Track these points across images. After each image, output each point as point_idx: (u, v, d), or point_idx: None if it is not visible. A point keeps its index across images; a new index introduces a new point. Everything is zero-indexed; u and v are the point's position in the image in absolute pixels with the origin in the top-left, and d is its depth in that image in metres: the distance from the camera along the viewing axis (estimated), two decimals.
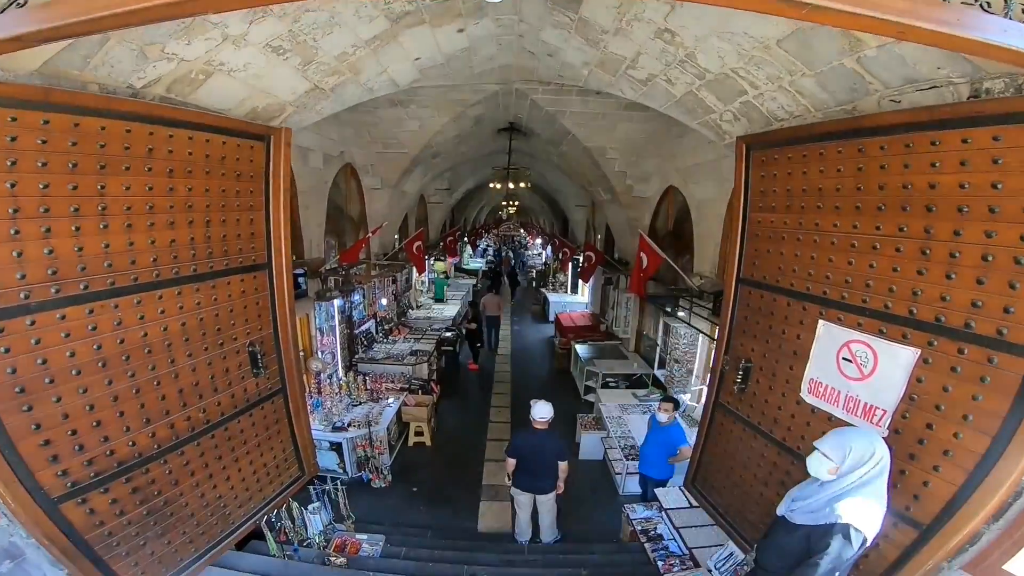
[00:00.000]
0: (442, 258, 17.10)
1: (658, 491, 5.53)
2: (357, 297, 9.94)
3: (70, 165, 2.55)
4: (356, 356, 9.80)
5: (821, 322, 3.21)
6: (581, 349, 11.32)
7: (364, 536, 4.89)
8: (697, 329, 7.20)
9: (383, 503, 6.73)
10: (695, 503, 4.98)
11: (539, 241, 30.01)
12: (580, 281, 18.71)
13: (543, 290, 20.81)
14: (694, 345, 7.62)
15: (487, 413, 9.77)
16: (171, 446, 3.26)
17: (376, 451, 6.91)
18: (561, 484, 5.53)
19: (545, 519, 5.76)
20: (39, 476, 2.56)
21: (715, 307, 6.51)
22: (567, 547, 5.67)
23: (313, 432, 6.82)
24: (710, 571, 4.19)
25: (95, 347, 2.77)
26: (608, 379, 9.69)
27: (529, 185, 11.79)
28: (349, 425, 6.97)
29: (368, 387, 8.16)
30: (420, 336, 11.66)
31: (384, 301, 11.23)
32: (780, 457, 3.52)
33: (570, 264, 18.77)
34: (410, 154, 9.24)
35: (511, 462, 5.41)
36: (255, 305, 3.96)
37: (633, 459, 6.42)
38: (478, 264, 27.10)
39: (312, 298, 7.89)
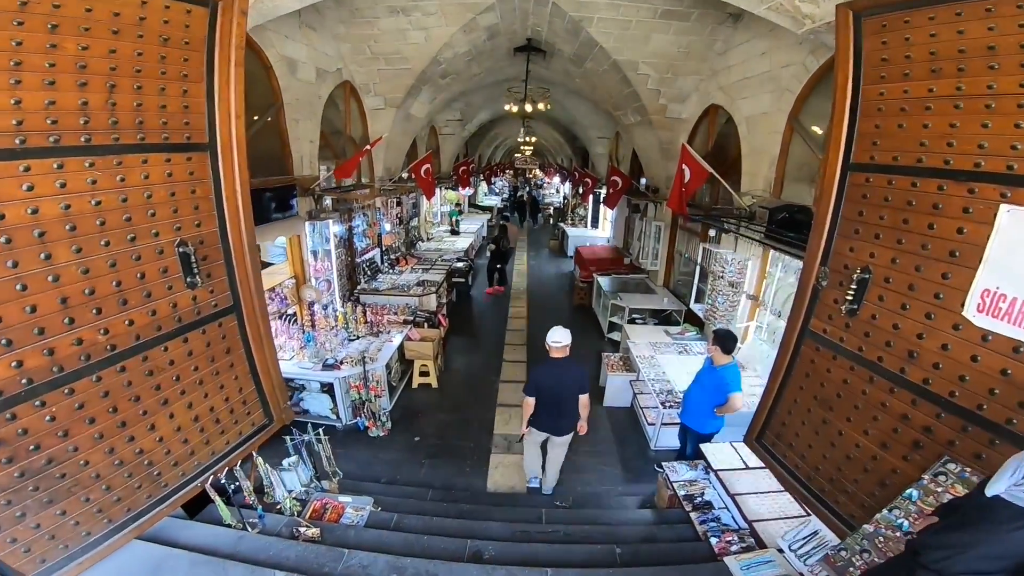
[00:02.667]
0: (455, 188, 15.90)
1: (704, 447, 4.59)
2: (358, 221, 8.89)
3: None
4: (358, 287, 8.89)
5: (1004, 208, 2.11)
6: (604, 282, 10.30)
7: (349, 499, 4.03)
8: (768, 244, 6.06)
9: (380, 456, 5.89)
10: (754, 464, 4.04)
11: (556, 179, 28.51)
12: (601, 214, 17.57)
13: (561, 224, 19.58)
14: (741, 275, 6.51)
15: (501, 352, 8.85)
16: (50, 381, 2.30)
17: (372, 393, 6.02)
18: (584, 424, 4.80)
19: (552, 466, 5.12)
20: None
21: (773, 226, 5.41)
22: (591, 514, 4.78)
23: (301, 371, 6.09)
24: (782, 552, 3.25)
25: None
26: (635, 315, 8.71)
27: (548, 106, 10.41)
28: (343, 363, 6.06)
29: (368, 320, 7.23)
30: (429, 267, 10.68)
31: (388, 226, 10.17)
32: (916, 408, 2.48)
33: (591, 197, 17.47)
34: (415, 70, 8.28)
35: (530, 402, 4.64)
36: (189, 194, 2.91)
37: (671, 407, 5.46)
38: (493, 201, 25.84)
39: (303, 217, 6.88)
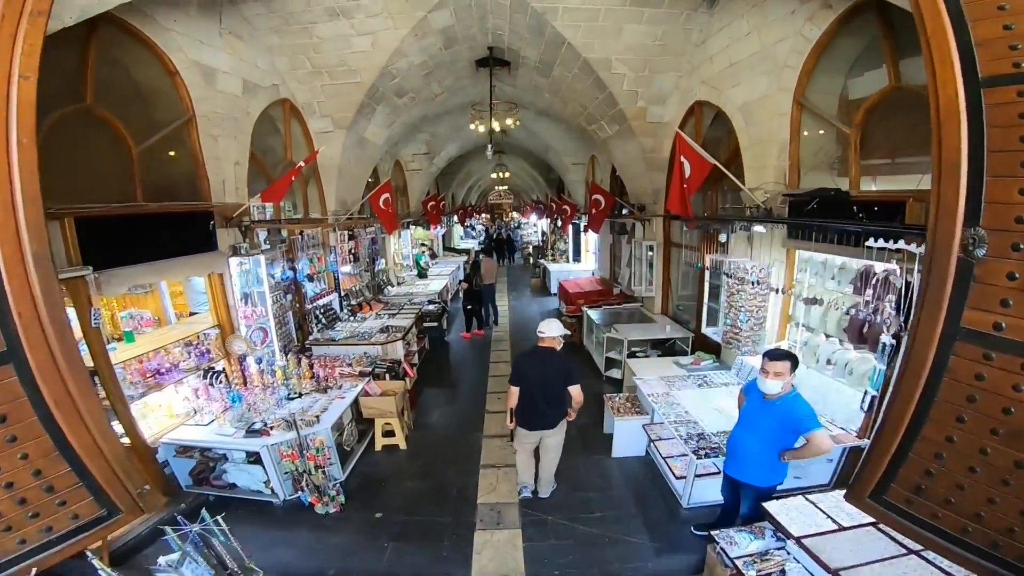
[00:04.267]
0: (424, 226, 14.79)
1: (770, 506, 3.30)
2: (304, 262, 7.63)
3: None
4: (311, 337, 7.55)
5: None
6: (595, 315, 9.08)
7: None
8: (794, 243, 4.93)
9: (328, 540, 4.46)
10: (851, 521, 2.78)
11: (533, 217, 27.82)
12: (583, 246, 16.54)
13: (542, 261, 18.49)
14: (764, 285, 5.37)
15: (483, 402, 7.48)
16: None
17: (312, 463, 4.63)
18: (573, 411, 4.73)
19: (548, 468, 4.92)
20: None
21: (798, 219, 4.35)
22: None
23: (219, 438, 4.70)
24: None
25: None
26: (634, 348, 7.50)
27: (517, 123, 9.47)
28: (273, 427, 4.68)
29: (315, 374, 5.88)
30: (396, 312, 9.37)
31: (347, 268, 8.89)
32: None
33: (570, 227, 16.48)
34: (364, 84, 7.42)
35: (514, 391, 4.60)
36: None
37: (710, 455, 4.15)
38: (470, 244, 24.83)
39: (225, 253, 5.63)
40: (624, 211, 10.21)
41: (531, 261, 21.91)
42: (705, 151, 5.49)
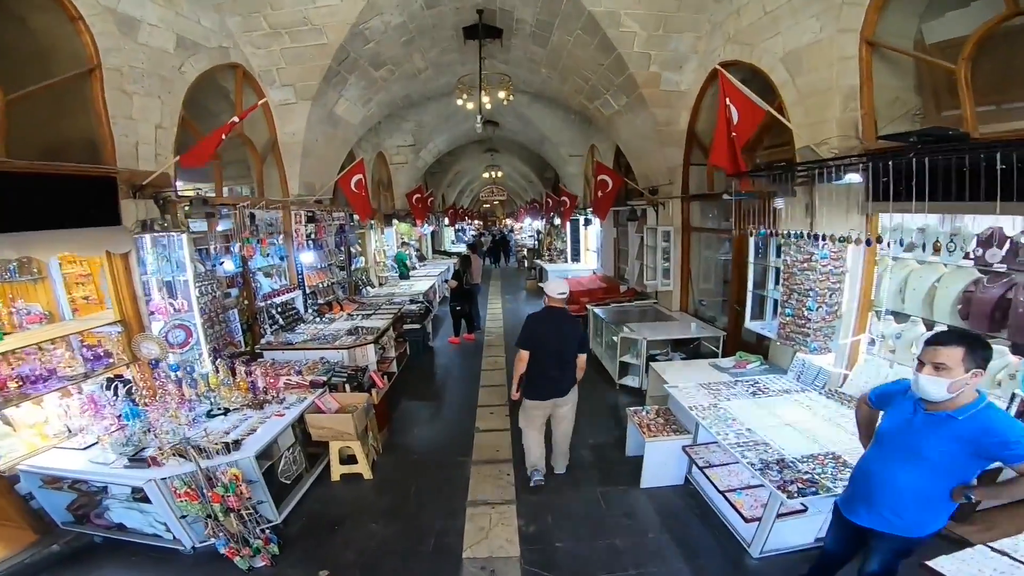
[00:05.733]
0: (409, 222, 13.49)
1: (940, 565, 1.97)
2: (259, 251, 6.27)
3: None
4: (263, 340, 6.21)
5: None
6: (603, 314, 7.77)
7: None
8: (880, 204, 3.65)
9: None
10: None
11: (527, 221, 26.66)
12: (582, 243, 15.24)
13: (538, 261, 17.16)
14: (838, 262, 4.10)
15: (472, 418, 6.11)
16: None
17: (215, 503, 3.25)
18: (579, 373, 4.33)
19: (563, 438, 4.52)
20: None
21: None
22: None
23: (94, 467, 3.21)
24: None
25: None
26: (651, 351, 6.24)
27: (511, 97, 8.22)
28: (168, 453, 3.32)
29: (255, 384, 4.51)
30: (372, 312, 8.02)
31: (307, 257, 7.53)
32: None
33: (568, 225, 15.19)
34: (331, 46, 6.34)
35: (524, 356, 4.14)
36: None
37: (804, 490, 2.81)
38: (462, 248, 23.55)
39: (131, 230, 4.32)
40: (630, 201, 8.97)
41: (526, 264, 20.66)
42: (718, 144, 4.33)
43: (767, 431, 3.52)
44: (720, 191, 6.86)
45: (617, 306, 8.34)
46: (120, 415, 3.85)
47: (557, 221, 15.94)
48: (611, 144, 10.59)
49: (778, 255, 4.84)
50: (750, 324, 5.10)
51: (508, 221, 38.89)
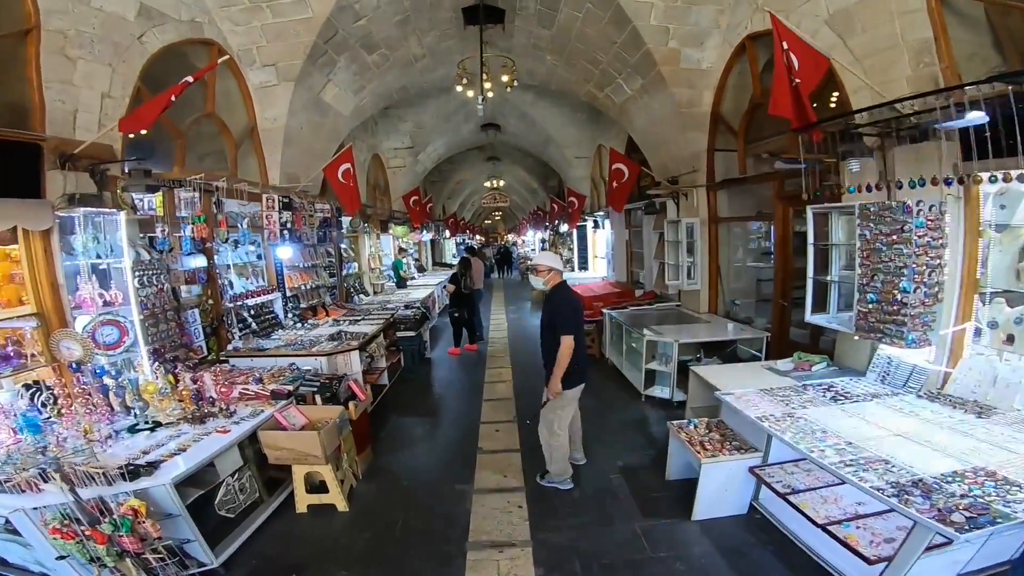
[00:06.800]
0: (407, 225, 12.68)
1: None
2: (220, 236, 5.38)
3: None
4: (230, 346, 5.31)
5: None
6: (621, 317, 6.86)
7: None
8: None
9: None
10: None
11: (530, 234, 25.97)
12: (592, 244, 14.38)
13: None
14: (937, 235, 3.23)
15: (475, 438, 5.15)
16: None
17: (100, 545, 2.32)
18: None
19: (579, 426, 4.27)
20: None
21: None
22: None
23: None
24: None
25: None
26: (681, 356, 5.35)
27: (514, 82, 7.40)
28: (52, 476, 2.40)
29: (199, 393, 3.60)
30: (360, 318, 7.12)
31: (284, 254, 6.64)
32: None
33: (575, 232, 14.36)
34: (317, 18, 5.73)
35: (571, 344, 3.79)
36: None
37: (979, 520, 1.87)
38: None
39: (58, 205, 3.48)
40: (648, 192, 8.11)
41: (529, 276, 19.89)
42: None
43: (875, 445, 2.60)
44: (753, 174, 6.08)
45: (636, 309, 7.44)
46: (16, 428, 2.95)
47: (563, 228, 15.07)
48: (621, 142, 9.85)
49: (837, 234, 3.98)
50: (811, 318, 4.17)
51: (510, 237, 38.56)
